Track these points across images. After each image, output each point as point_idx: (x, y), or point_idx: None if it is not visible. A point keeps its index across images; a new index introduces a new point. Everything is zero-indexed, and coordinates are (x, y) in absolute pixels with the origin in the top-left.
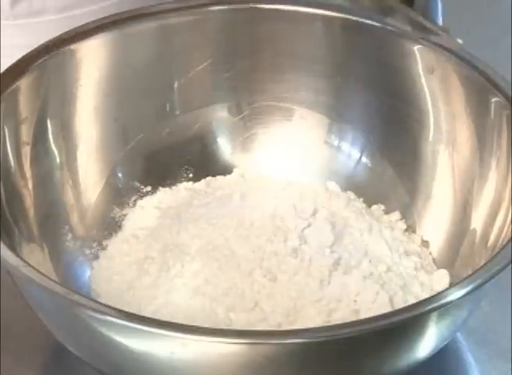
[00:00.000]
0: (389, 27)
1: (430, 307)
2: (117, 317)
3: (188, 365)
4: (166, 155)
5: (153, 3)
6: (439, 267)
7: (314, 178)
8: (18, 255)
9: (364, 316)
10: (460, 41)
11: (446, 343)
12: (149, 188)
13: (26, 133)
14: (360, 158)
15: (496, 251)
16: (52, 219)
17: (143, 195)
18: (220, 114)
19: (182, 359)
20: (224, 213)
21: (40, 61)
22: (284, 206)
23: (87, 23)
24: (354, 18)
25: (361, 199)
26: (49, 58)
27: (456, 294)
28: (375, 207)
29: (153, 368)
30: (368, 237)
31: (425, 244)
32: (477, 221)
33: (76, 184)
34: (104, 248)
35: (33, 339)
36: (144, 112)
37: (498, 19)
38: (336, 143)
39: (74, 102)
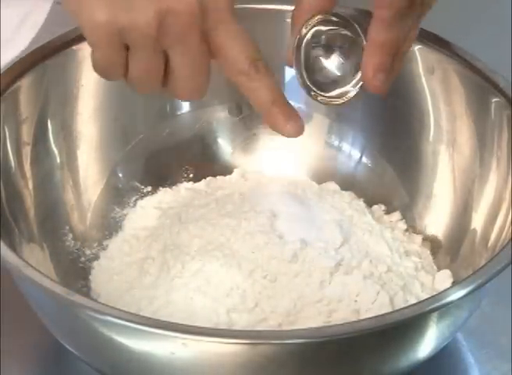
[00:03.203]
0: None
1: (430, 307)
2: (117, 317)
3: (188, 365)
4: (166, 155)
5: None
6: (439, 267)
7: (315, 178)
8: (18, 255)
9: (364, 316)
10: None
11: (446, 343)
12: (149, 188)
13: (26, 133)
14: (361, 158)
15: (497, 251)
16: (52, 219)
17: (143, 195)
18: (220, 114)
19: (182, 359)
20: (224, 213)
21: (40, 61)
22: (284, 206)
23: None
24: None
25: (362, 199)
26: (50, 58)
27: (456, 294)
28: (375, 207)
29: (153, 368)
30: (368, 237)
31: (426, 244)
32: (477, 221)
33: (76, 184)
34: (104, 248)
35: (33, 339)
36: (144, 112)
37: (498, 19)
38: (336, 143)
39: (75, 102)
